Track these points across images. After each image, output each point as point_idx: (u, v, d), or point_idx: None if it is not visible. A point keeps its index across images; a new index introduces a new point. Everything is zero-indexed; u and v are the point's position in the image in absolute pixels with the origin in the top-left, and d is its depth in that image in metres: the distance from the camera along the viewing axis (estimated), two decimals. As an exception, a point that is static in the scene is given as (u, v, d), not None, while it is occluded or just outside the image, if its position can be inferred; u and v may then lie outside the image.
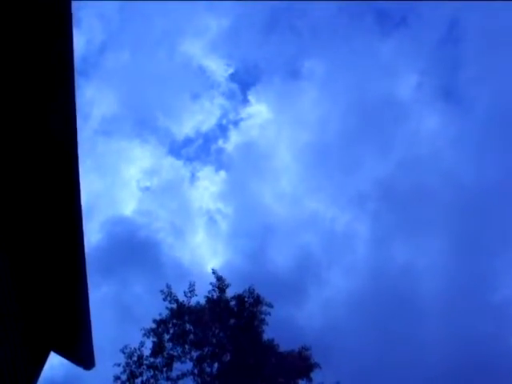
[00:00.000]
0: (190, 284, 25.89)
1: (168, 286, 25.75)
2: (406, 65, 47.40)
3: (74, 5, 5.59)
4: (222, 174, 48.89)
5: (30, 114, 5.98)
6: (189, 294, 25.73)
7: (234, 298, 26.15)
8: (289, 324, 27.10)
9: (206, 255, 43.79)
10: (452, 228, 41.16)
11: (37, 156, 6.34)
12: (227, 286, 26.22)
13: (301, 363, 24.38)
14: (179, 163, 50.95)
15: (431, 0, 38.09)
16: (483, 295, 34.86)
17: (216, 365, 25.13)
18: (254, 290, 25.88)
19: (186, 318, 25.64)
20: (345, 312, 32.83)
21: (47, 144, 6.14)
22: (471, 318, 31.86)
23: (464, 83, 46.51)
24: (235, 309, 26.08)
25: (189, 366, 24.85)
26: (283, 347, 25.48)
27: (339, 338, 27.97)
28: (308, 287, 37.62)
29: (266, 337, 25.58)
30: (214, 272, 26.33)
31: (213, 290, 26.15)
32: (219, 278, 26.24)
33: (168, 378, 24.56)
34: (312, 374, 24.52)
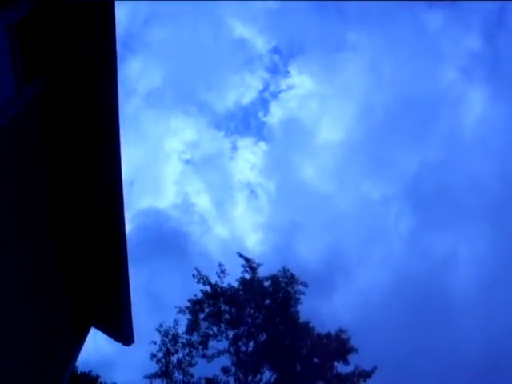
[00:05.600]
0: (220, 264, 25.68)
1: (197, 270, 25.65)
2: (452, 46, 45.39)
3: None
4: (262, 145, 48.26)
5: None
6: (221, 275, 25.66)
7: (268, 278, 26.05)
8: (317, 315, 26.68)
9: (243, 231, 43.40)
10: (494, 220, 39.41)
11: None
12: (258, 266, 26.07)
13: (337, 345, 24.21)
14: (220, 135, 50.64)
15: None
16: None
17: (252, 344, 25.22)
18: (288, 269, 25.73)
19: (221, 298, 25.66)
20: (378, 303, 32.01)
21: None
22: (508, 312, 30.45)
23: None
24: (270, 289, 25.99)
25: (224, 344, 25.04)
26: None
27: (370, 330, 27.30)
28: (337, 279, 36.81)
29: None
30: (240, 255, 26.06)
31: (245, 270, 26.07)
32: (247, 260, 26.11)
33: (204, 356, 24.81)
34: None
